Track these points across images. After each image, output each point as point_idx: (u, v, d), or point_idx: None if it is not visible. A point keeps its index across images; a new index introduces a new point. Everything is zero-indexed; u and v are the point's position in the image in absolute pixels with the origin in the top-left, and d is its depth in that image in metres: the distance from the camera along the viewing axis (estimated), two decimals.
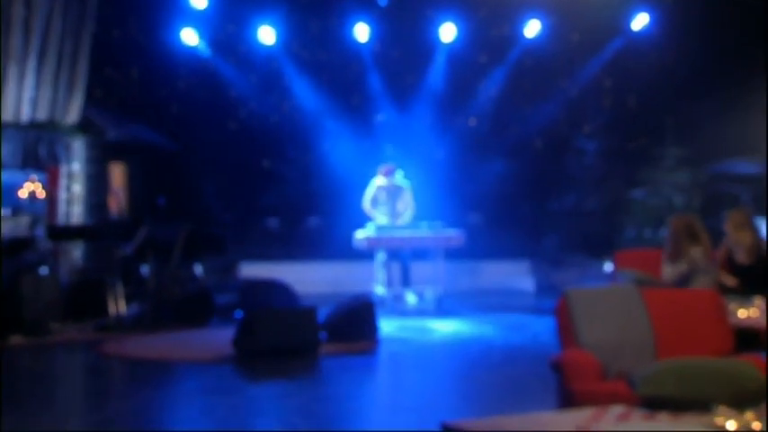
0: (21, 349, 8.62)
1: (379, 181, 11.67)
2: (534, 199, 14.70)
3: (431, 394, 6.87)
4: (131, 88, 13.81)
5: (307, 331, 8.32)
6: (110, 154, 12.68)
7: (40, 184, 11.80)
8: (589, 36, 14.01)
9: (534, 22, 14.10)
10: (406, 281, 11.64)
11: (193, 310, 10.12)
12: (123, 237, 10.31)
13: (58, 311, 9.69)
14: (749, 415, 3.64)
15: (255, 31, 14.01)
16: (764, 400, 3.98)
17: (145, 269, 10.43)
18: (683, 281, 6.70)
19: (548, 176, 14.66)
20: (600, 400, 4.28)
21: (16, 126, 11.21)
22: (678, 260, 6.78)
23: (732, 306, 5.74)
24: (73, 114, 11.85)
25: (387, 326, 9.54)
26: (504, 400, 6.32)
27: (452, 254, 11.60)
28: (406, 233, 11.22)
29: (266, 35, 14.00)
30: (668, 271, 6.84)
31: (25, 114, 11.33)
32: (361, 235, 11.22)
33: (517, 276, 13.63)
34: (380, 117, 14.74)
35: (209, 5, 13.59)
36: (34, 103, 11.41)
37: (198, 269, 11.57)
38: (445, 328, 9.89)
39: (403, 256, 11.58)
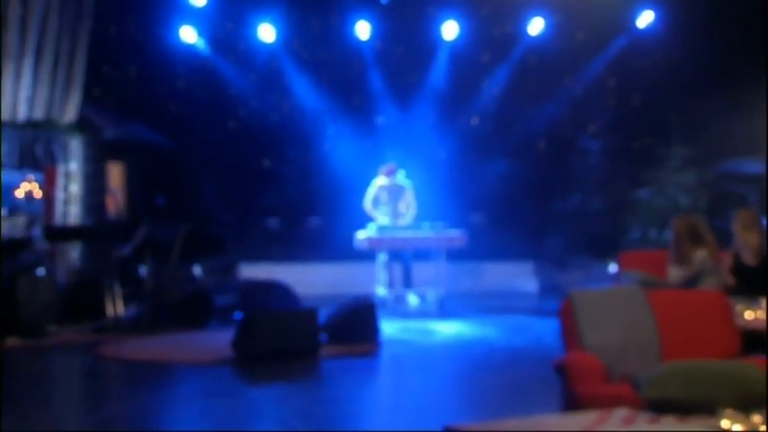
0: (17, 351, 8.63)
1: (380, 181, 11.67)
2: (538, 199, 14.69)
3: (433, 397, 6.87)
4: (129, 87, 13.82)
5: (307, 333, 8.32)
6: (107, 153, 12.68)
7: (36, 184, 11.80)
8: (593, 34, 14.00)
9: (538, 20, 14.09)
10: (407, 282, 11.64)
11: (192, 311, 10.12)
12: (121, 237, 10.32)
13: (55, 313, 9.69)
14: (756, 418, 3.64)
15: (255, 28, 14.02)
16: None
17: (143, 270, 10.44)
18: (689, 283, 6.69)
19: (551, 176, 14.65)
20: (604, 403, 4.28)
21: (13, 125, 11.21)
22: (683, 263, 6.77)
23: (739, 308, 5.74)
24: (70, 113, 11.86)
25: (388, 327, 9.54)
26: (507, 403, 6.32)
27: (455, 255, 11.60)
28: (408, 233, 11.21)
29: (266, 33, 14.00)
30: (674, 273, 6.83)
31: (22, 113, 11.33)
32: (362, 235, 11.22)
33: (520, 277, 13.63)
34: (381, 119, 14.73)
35: (209, 3, 13.59)
36: (31, 102, 11.41)
37: (197, 270, 11.58)
38: (447, 329, 9.88)
39: (405, 256, 11.58)
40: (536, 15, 14.06)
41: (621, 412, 4.01)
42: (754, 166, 12.68)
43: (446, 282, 11.42)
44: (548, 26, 14.13)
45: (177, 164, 14.12)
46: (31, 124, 11.43)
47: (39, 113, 11.50)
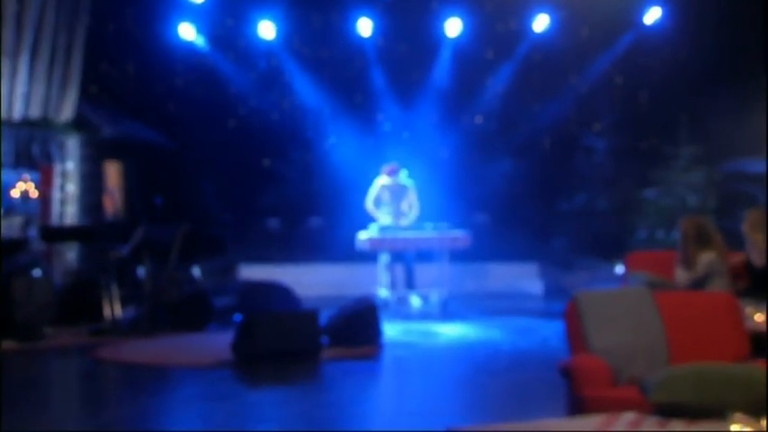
0: (13, 354, 8.62)
1: (382, 180, 11.67)
2: (543, 199, 14.68)
3: (436, 400, 6.86)
4: (127, 84, 13.82)
5: (308, 335, 8.32)
6: (105, 152, 12.69)
7: (32, 184, 11.80)
8: (600, 31, 13.98)
9: (543, 17, 14.08)
10: (410, 283, 11.64)
11: (191, 313, 10.12)
12: (119, 238, 10.32)
13: (52, 315, 9.69)
14: (766, 422, 3.62)
15: (255, 25, 14.01)
16: None
17: (141, 271, 10.43)
18: (697, 286, 6.68)
19: (557, 176, 14.64)
20: (611, 406, 4.27)
21: (8, 124, 11.21)
22: (689, 266, 6.76)
23: (748, 310, 5.72)
24: (67, 111, 11.86)
25: (390, 330, 9.54)
26: (511, 407, 6.31)
27: (458, 255, 11.60)
28: (411, 234, 11.21)
29: (266, 30, 14.00)
30: (681, 276, 6.82)
31: (18, 111, 11.33)
32: (364, 236, 11.22)
33: (525, 279, 13.62)
34: (383, 117, 14.73)
35: None
36: (27, 100, 11.41)
37: (196, 271, 11.57)
38: (451, 331, 9.88)
39: (407, 257, 11.57)
40: (541, 12, 14.04)
41: (628, 416, 4.00)
42: (763, 166, 12.66)
43: (449, 283, 11.42)
44: (553, 23, 14.11)
45: (176, 163, 14.12)
46: (27, 123, 11.43)
47: (35, 112, 11.51)
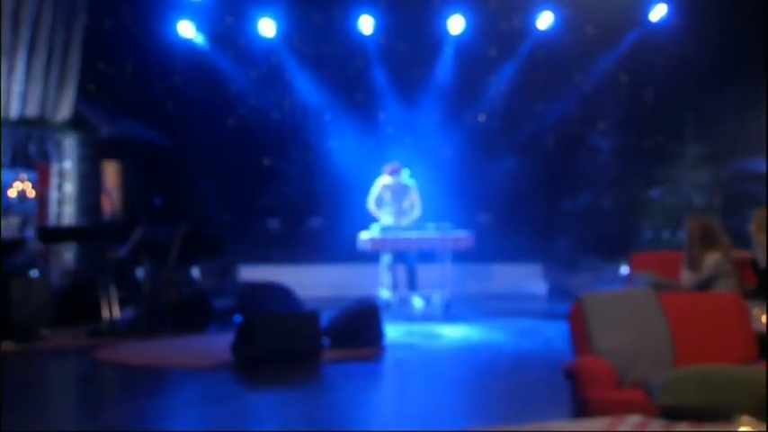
0: (10, 356, 8.62)
1: (384, 180, 11.67)
2: (546, 199, 14.67)
3: (438, 402, 6.86)
4: (126, 83, 13.83)
5: (308, 337, 8.32)
6: (103, 152, 12.69)
7: (29, 184, 11.80)
8: (604, 28, 13.97)
9: (547, 14, 14.06)
10: (412, 284, 11.63)
11: (190, 314, 10.12)
12: (117, 238, 10.32)
13: (49, 316, 9.70)
14: None
15: (255, 23, 14.01)
16: None
17: (140, 272, 10.44)
18: (703, 287, 6.67)
19: (561, 175, 14.63)
20: (615, 409, 4.26)
21: (5, 123, 11.21)
22: (695, 267, 6.75)
23: (756, 311, 5.71)
24: (64, 110, 11.86)
25: (392, 331, 9.53)
26: (515, 409, 6.31)
27: (461, 256, 11.59)
28: (413, 234, 11.20)
29: (266, 28, 13.99)
30: (687, 277, 6.81)
31: (14, 110, 11.33)
32: (365, 236, 11.21)
33: (529, 280, 13.61)
34: (385, 116, 14.73)
35: None
36: (24, 99, 11.42)
37: (195, 272, 11.58)
38: (453, 333, 9.87)
39: (409, 258, 11.57)
40: (545, 9, 14.03)
41: (633, 419, 3.99)
42: None
43: (452, 284, 11.41)
44: (557, 20, 14.10)
45: (175, 163, 14.12)
46: (23, 122, 11.44)
47: (32, 111, 11.51)
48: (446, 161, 14.41)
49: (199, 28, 13.93)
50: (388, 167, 11.73)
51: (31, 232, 11.22)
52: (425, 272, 11.61)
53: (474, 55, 14.42)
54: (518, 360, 8.39)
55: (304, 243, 14.45)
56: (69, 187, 11.92)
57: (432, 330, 10.02)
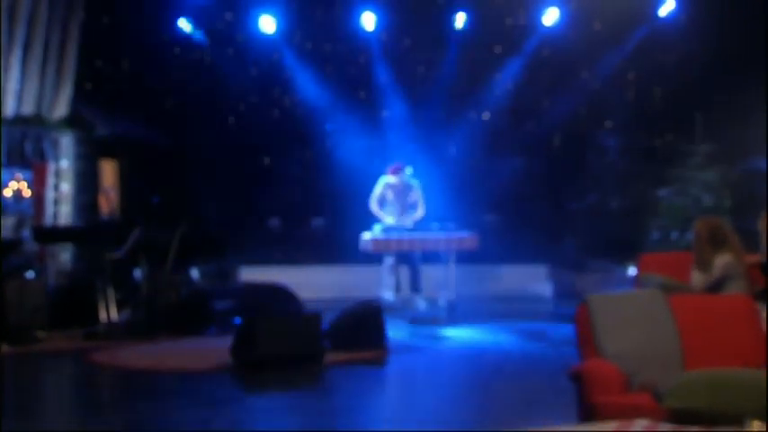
0: (4, 358, 8.63)
1: (387, 179, 11.67)
2: (553, 199, 14.67)
3: (442, 406, 6.86)
4: (123, 81, 13.83)
5: (310, 339, 8.32)
6: (100, 150, 12.70)
7: (25, 183, 11.81)
8: (612, 24, 13.95)
9: (553, 10, 14.06)
10: (415, 285, 11.63)
11: (189, 316, 10.12)
12: (114, 239, 10.32)
13: (45, 318, 9.70)
14: None
15: (255, 19, 14.01)
16: None
17: (138, 273, 10.45)
18: (713, 289, 6.66)
19: (567, 175, 14.62)
20: (623, 413, 4.26)
21: (0, 121, 11.22)
22: (705, 268, 6.74)
23: (765, 313, 5.71)
24: (61, 108, 11.87)
25: (396, 333, 9.53)
26: (520, 413, 6.31)
27: (465, 257, 11.59)
28: (416, 235, 11.20)
29: (267, 24, 14.00)
30: (697, 279, 6.80)
31: (10, 108, 11.34)
32: (367, 237, 11.21)
33: (534, 281, 13.61)
34: (388, 114, 14.73)
35: None
36: (19, 97, 11.42)
37: (194, 273, 11.58)
38: (457, 336, 9.88)
39: (413, 258, 11.57)
40: (551, 5, 14.03)
41: (642, 423, 3.99)
42: None
43: (456, 285, 11.41)
44: (563, 16, 14.09)
45: (173, 162, 14.12)
46: (19, 120, 11.45)
47: (28, 109, 11.52)
48: (450, 160, 14.41)
49: (198, 25, 13.93)
50: (391, 166, 11.73)
51: (26, 233, 11.22)
52: (429, 273, 11.61)
53: (478, 52, 14.41)
54: (523, 363, 8.39)
55: (305, 243, 14.46)
56: (66, 187, 11.93)
57: (436, 333, 10.03)
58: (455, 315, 11.08)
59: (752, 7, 12.83)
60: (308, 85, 14.54)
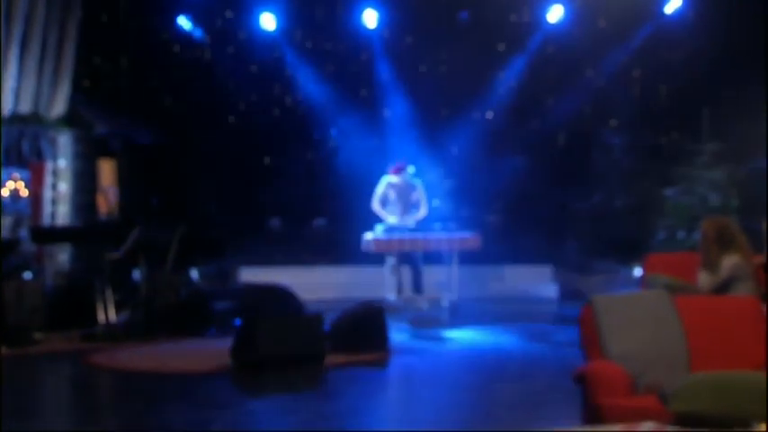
0: (1, 360, 8.62)
1: (389, 178, 11.67)
2: (557, 198, 14.66)
3: (444, 409, 6.86)
4: (122, 79, 13.84)
5: (311, 340, 8.32)
6: (98, 149, 12.70)
7: (23, 183, 11.82)
8: (617, 21, 13.95)
9: (557, 7, 14.05)
10: (417, 286, 11.63)
11: (189, 317, 10.13)
12: (113, 239, 10.33)
13: (43, 319, 9.70)
14: None
15: (256, 17, 14.02)
16: None
17: (137, 274, 10.45)
18: (720, 290, 6.65)
19: (572, 174, 14.61)
20: (628, 416, 4.26)
21: None
22: (712, 269, 6.73)
23: None
24: (58, 107, 11.87)
25: (398, 335, 9.53)
26: (524, 416, 6.30)
27: (468, 257, 11.58)
28: (418, 235, 11.20)
29: (267, 22, 14.00)
30: (704, 280, 6.79)
31: (7, 107, 11.34)
32: (369, 237, 11.21)
33: (539, 282, 13.60)
34: (390, 113, 14.72)
35: None
36: (16, 95, 11.42)
37: (194, 274, 11.58)
38: (460, 337, 9.88)
39: (415, 259, 11.56)
40: (555, 2, 14.02)
41: (647, 426, 3.99)
42: None
43: (459, 286, 11.41)
44: (567, 13, 14.09)
45: (173, 161, 14.13)
46: (16, 118, 11.45)
47: (25, 107, 11.52)
48: (453, 159, 14.40)
49: (197, 22, 13.94)
50: (392, 166, 11.73)
51: (24, 233, 11.23)
52: (431, 274, 11.61)
53: (482, 49, 14.40)
54: (527, 365, 8.39)
55: (306, 244, 14.46)
56: (64, 186, 11.93)
57: (438, 334, 10.02)
58: (458, 316, 11.07)
59: (759, 3, 12.80)
60: (308, 84, 14.55)
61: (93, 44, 12.85)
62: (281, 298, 10.39)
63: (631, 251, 12.13)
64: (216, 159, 14.21)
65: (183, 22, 13.81)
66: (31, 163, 11.78)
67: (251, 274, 12.76)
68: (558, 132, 14.85)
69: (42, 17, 11.55)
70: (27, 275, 10.39)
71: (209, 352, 8.94)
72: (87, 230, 11.32)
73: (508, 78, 14.74)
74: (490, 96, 14.82)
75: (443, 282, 11.42)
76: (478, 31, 14.27)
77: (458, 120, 14.62)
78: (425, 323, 10.77)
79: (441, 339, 9.77)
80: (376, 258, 11.66)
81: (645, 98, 14.56)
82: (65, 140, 11.98)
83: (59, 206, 11.90)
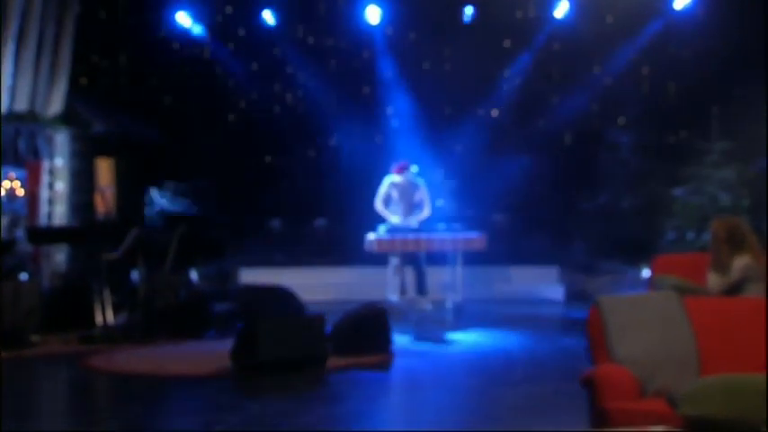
0: None
1: (392, 178, 11.67)
2: (563, 198, 14.66)
3: (448, 413, 6.85)
4: (120, 77, 13.87)
5: (313, 342, 8.32)
6: (96, 148, 12.72)
7: (19, 182, 11.85)
8: (625, 17, 13.94)
9: (563, 2, 14.05)
10: (421, 287, 11.62)
11: (188, 319, 10.13)
12: (111, 239, 10.34)
13: (39, 321, 9.71)
14: None
15: (256, 13, 14.03)
16: None
17: (135, 275, 10.45)
18: (731, 292, 6.63)
19: (578, 173, 14.61)
20: (636, 420, 4.25)
21: None
22: (722, 270, 6.72)
23: None
24: (55, 105, 11.89)
25: (401, 337, 9.53)
26: (530, 420, 6.30)
27: (473, 258, 11.57)
28: (422, 235, 11.20)
29: (268, 18, 14.01)
30: (714, 281, 6.78)
31: (3, 105, 11.36)
32: (372, 237, 11.21)
33: (544, 283, 13.60)
34: (393, 111, 14.73)
35: None
36: (12, 93, 11.44)
37: (193, 275, 11.59)
38: (465, 339, 9.88)
39: (418, 260, 11.56)
40: None
41: (656, 430, 3.98)
42: None
43: (463, 288, 11.39)
44: (574, 8, 14.08)
45: (171, 160, 14.14)
46: (12, 117, 11.47)
47: (21, 105, 11.54)
48: (457, 158, 14.41)
49: (197, 19, 13.96)
50: (396, 165, 11.73)
51: (20, 233, 11.24)
52: (435, 275, 11.60)
53: (487, 46, 14.41)
54: (533, 368, 8.38)
55: (308, 244, 14.47)
56: (61, 185, 11.95)
57: (442, 336, 10.02)
58: (462, 318, 11.07)
59: None
60: (310, 81, 14.56)
61: (90, 41, 12.87)
62: (282, 299, 10.39)
63: (639, 252, 12.13)
64: (216, 158, 14.22)
65: (183, 18, 13.82)
66: (28, 162, 11.80)
67: (251, 275, 12.77)
68: (565, 131, 14.84)
69: (39, 13, 11.57)
70: (23, 276, 10.41)
71: (208, 354, 8.94)
72: (85, 230, 11.34)
73: (513, 76, 14.74)
74: (495, 94, 14.83)
75: (447, 283, 11.40)
76: (483, 27, 14.28)
77: (462, 118, 14.63)
78: (429, 325, 10.76)
79: (445, 341, 9.76)
80: (378, 259, 11.65)
81: (653, 96, 14.56)
82: (62, 139, 12.00)
83: (56, 206, 11.92)
